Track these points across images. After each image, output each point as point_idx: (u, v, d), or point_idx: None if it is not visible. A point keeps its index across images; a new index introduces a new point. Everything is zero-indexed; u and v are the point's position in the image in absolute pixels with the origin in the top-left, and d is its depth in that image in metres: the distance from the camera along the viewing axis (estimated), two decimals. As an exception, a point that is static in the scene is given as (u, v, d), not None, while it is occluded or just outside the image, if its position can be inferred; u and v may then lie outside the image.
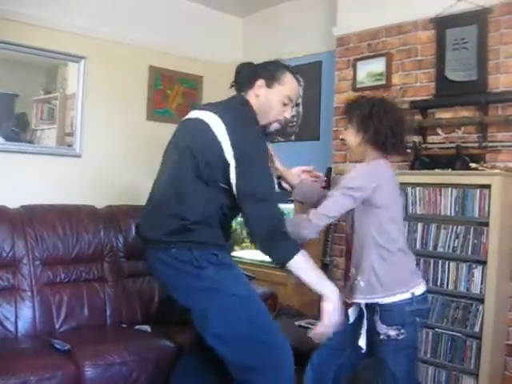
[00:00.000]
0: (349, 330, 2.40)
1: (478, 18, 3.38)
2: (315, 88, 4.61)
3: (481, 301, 3.07)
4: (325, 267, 4.11)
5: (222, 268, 2.24)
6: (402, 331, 2.21)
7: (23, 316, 3.04)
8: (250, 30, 5.35)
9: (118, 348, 2.81)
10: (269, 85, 2.37)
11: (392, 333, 2.22)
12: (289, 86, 2.40)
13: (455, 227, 3.20)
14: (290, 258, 2.18)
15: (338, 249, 4.09)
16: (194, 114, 2.38)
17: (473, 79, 3.42)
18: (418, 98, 3.66)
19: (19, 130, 4.05)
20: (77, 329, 3.15)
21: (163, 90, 4.80)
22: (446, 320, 3.20)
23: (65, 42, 4.09)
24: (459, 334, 3.14)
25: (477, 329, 3.06)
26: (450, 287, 3.21)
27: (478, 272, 3.10)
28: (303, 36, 4.78)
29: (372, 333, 2.29)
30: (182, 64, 4.87)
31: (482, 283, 3.07)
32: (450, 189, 3.22)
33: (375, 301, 2.26)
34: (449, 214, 3.22)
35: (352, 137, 2.36)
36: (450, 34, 3.52)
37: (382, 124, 2.26)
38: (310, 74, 4.67)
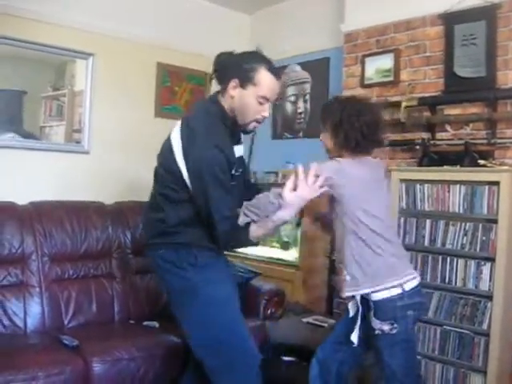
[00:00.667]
0: (348, 325, 2.44)
1: (487, 14, 3.36)
2: (323, 84, 4.60)
3: (489, 298, 3.06)
4: (332, 264, 4.10)
5: (200, 270, 2.30)
6: (395, 325, 2.25)
7: (32, 312, 3.06)
8: (257, 27, 5.34)
9: (126, 344, 2.82)
10: (243, 85, 2.27)
11: (385, 327, 2.27)
12: (264, 85, 2.28)
13: (464, 224, 3.19)
14: (252, 243, 2.27)
15: (345, 245, 4.08)
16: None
17: (481, 75, 3.40)
18: (427, 95, 3.64)
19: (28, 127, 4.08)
20: (85, 325, 3.17)
21: (171, 87, 4.81)
22: (454, 317, 3.19)
23: (73, 39, 4.09)
24: (467, 332, 3.13)
25: (485, 326, 3.05)
26: (459, 284, 3.20)
27: (486, 269, 3.09)
28: (311, 32, 4.76)
29: (368, 328, 2.34)
30: (189, 61, 4.87)
31: (490, 280, 3.06)
32: (458, 185, 3.21)
33: (364, 292, 2.30)
34: (457, 210, 3.20)
35: (327, 140, 2.42)
36: (458, 30, 3.50)
37: (352, 129, 2.30)
38: (317, 70, 4.67)
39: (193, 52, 4.87)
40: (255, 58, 2.34)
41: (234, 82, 2.28)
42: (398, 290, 2.26)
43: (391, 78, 3.89)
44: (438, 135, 3.59)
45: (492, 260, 3.06)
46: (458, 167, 3.25)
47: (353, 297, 2.39)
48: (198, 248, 2.30)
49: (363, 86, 4.07)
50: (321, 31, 4.66)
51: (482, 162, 3.19)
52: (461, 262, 3.19)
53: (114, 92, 4.37)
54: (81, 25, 4.11)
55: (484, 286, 3.09)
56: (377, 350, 2.35)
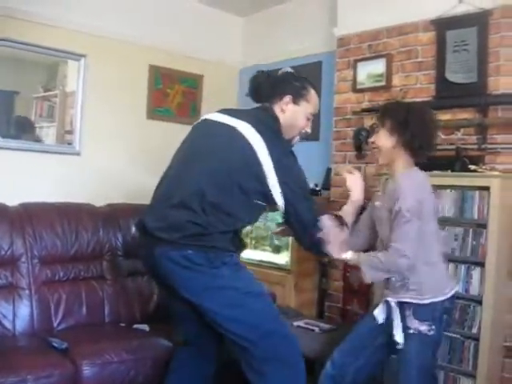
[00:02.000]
0: (372, 329, 2.50)
1: (479, 20, 3.38)
2: (315, 88, 4.60)
3: (479, 302, 3.07)
4: (323, 267, 4.11)
5: (235, 268, 2.30)
6: (433, 327, 2.33)
7: (21, 314, 3.04)
8: (250, 30, 5.35)
9: (116, 347, 2.81)
10: (296, 101, 2.44)
11: (423, 328, 2.33)
12: (313, 102, 2.50)
13: (454, 229, 3.20)
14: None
15: (336, 249, 4.08)
16: (220, 118, 2.40)
17: (473, 81, 3.42)
18: (418, 100, 3.66)
19: (20, 128, 4.06)
20: (75, 327, 3.15)
21: (163, 89, 4.80)
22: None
23: (65, 40, 4.08)
24: (457, 336, 3.14)
25: (475, 330, 3.06)
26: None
27: (476, 273, 3.10)
28: (303, 36, 4.77)
29: (403, 327, 2.39)
30: (182, 63, 4.87)
31: (480, 285, 3.07)
32: (449, 190, 3.22)
33: (420, 302, 2.36)
34: (448, 215, 3.21)
35: (384, 139, 2.44)
36: (450, 36, 3.52)
37: (418, 130, 2.37)
38: (310, 74, 4.64)
39: (185, 54, 4.86)
40: (304, 79, 2.53)
41: (287, 98, 2.43)
42: (442, 297, 2.37)
43: (383, 83, 3.90)
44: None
45: (482, 265, 3.07)
46: (449, 172, 3.26)
47: (386, 302, 2.45)
48: (227, 251, 2.29)
49: (355, 90, 4.08)
50: (313, 35, 4.67)
51: (472, 167, 3.20)
52: (451, 266, 3.19)
53: (106, 93, 4.36)
54: (73, 26, 4.10)
55: (474, 290, 3.10)
56: (405, 350, 2.38)
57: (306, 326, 3.42)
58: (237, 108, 2.54)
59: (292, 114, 2.44)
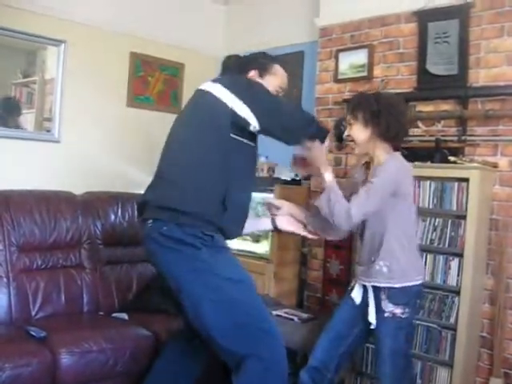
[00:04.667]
0: (348, 317, 2.56)
1: (460, 13, 3.40)
2: (297, 78, 4.60)
3: (457, 293, 3.10)
4: (303, 257, 4.13)
5: (216, 251, 2.23)
6: (407, 310, 2.39)
7: (-2, 303, 3.01)
8: (232, 18, 5.31)
9: (95, 335, 2.80)
10: (261, 75, 2.46)
11: (398, 311, 2.39)
12: (279, 76, 2.51)
13: (433, 220, 3.22)
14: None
15: (316, 239, 4.10)
16: (203, 85, 2.41)
17: (453, 73, 3.44)
18: (400, 91, 3.67)
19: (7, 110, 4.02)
20: (53, 316, 3.12)
21: (144, 77, 4.76)
22: (422, 311, 3.22)
23: (44, 26, 4.03)
24: (435, 326, 3.17)
25: (452, 320, 3.10)
26: (427, 279, 3.22)
27: (454, 264, 3.13)
28: (286, 25, 4.76)
29: (376, 311, 2.45)
30: (163, 51, 4.83)
31: (458, 275, 3.10)
32: (428, 181, 3.24)
33: (394, 286, 2.41)
34: (427, 206, 3.24)
35: (359, 132, 2.48)
36: (432, 28, 3.53)
37: (391, 118, 2.41)
38: (291, 64, 4.66)
39: (167, 42, 4.83)
40: (267, 54, 2.57)
41: (253, 72, 2.46)
42: (414, 282, 2.44)
43: (365, 74, 3.91)
44: (410, 131, 3.61)
45: (460, 255, 3.10)
46: (429, 163, 3.29)
47: (364, 286, 2.52)
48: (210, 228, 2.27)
49: (337, 80, 4.08)
50: (296, 25, 4.66)
51: (452, 158, 3.23)
52: (430, 257, 3.22)
53: (86, 80, 4.32)
54: (52, 11, 4.05)
55: (452, 281, 3.14)
56: (380, 334, 2.46)
57: (286, 315, 3.43)
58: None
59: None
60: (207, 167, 2.23)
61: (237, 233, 2.42)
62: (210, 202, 2.22)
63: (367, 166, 2.63)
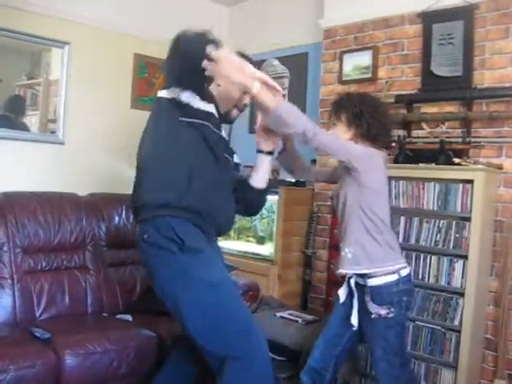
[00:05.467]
0: (342, 317, 2.54)
1: (465, 14, 3.39)
2: (301, 80, 4.60)
3: (461, 295, 3.10)
4: (307, 259, 4.12)
5: (192, 254, 2.20)
6: (392, 310, 2.37)
7: (3, 304, 3.01)
8: (236, 20, 5.32)
9: (99, 337, 2.80)
10: None
11: (382, 312, 2.37)
12: None
13: (437, 221, 3.22)
14: None
15: (320, 241, 4.10)
16: None
17: (458, 75, 3.43)
18: (404, 92, 3.67)
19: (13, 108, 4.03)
20: (57, 317, 3.13)
21: (148, 78, 4.76)
22: (426, 313, 3.22)
23: (49, 27, 4.03)
24: (439, 327, 3.17)
25: (456, 322, 3.09)
26: (431, 281, 3.24)
27: (458, 266, 3.13)
28: (290, 27, 4.76)
29: (363, 313, 2.44)
30: (167, 52, 4.82)
31: (462, 277, 3.10)
32: (433, 183, 3.24)
33: (363, 272, 2.39)
34: (431, 208, 3.24)
35: (342, 133, 2.47)
36: (436, 29, 3.53)
37: (373, 119, 2.41)
38: (296, 65, 4.66)
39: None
40: (244, 55, 2.42)
41: None
42: (395, 277, 2.38)
43: (369, 75, 3.90)
44: (414, 133, 3.62)
45: (464, 257, 3.09)
46: (433, 165, 3.28)
47: (348, 280, 2.50)
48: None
49: (341, 82, 4.08)
50: (300, 26, 4.65)
51: (456, 160, 3.22)
52: (434, 258, 3.22)
53: (90, 82, 4.32)
54: (57, 13, 4.05)
55: (456, 282, 3.13)
56: (370, 335, 2.46)
57: (290, 316, 3.43)
58: None
59: (225, 87, 2.34)
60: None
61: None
62: (171, 185, 2.23)
63: None
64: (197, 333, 2.17)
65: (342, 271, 2.48)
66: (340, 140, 2.42)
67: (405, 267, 2.44)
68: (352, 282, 2.47)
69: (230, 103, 2.42)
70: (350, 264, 2.43)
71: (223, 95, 2.38)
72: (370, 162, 2.39)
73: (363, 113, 2.42)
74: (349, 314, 2.51)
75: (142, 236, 2.24)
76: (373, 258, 2.39)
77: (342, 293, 2.56)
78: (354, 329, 2.48)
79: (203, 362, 2.34)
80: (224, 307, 2.20)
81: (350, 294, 2.53)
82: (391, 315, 2.38)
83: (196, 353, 2.42)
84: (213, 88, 2.37)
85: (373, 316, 2.40)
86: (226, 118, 2.44)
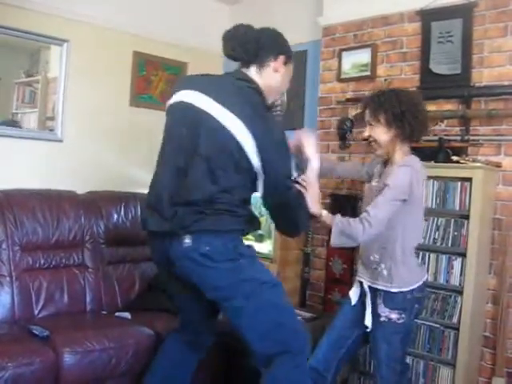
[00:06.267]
0: (350, 318, 2.56)
1: (464, 12, 3.39)
2: (300, 77, 4.60)
3: (459, 292, 3.10)
4: (306, 256, 4.12)
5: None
6: (403, 315, 2.38)
7: (1, 302, 3.02)
8: (236, 18, 5.26)
9: (98, 335, 2.80)
10: (286, 62, 2.35)
11: (393, 316, 2.39)
12: (292, 65, 2.43)
13: (436, 219, 3.22)
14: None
15: (319, 239, 4.10)
16: (190, 98, 2.25)
17: (457, 72, 3.43)
18: (402, 90, 3.67)
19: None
20: (56, 315, 3.14)
21: (147, 76, 4.76)
22: (424, 311, 3.22)
23: (47, 25, 4.02)
24: (437, 325, 3.17)
25: (455, 320, 3.10)
26: (430, 279, 3.22)
27: (457, 264, 3.13)
28: (289, 24, 4.71)
29: (372, 315, 2.46)
30: (166, 50, 4.82)
31: (461, 275, 3.10)
32: (431, 181, 3.23)
33: (392, 290, 2.41)
34: (430, 206, 3.23)
35: (382, 134, 2.44)
36: (435, 27, 3.52)
37: (415, 119, 2.37)
38: (295, 63, 4.64)
39: (170, 41, 4.82)
40: (285, 39, 2.40)
41: (282, 58, 2.33)
42: (412, 286, 2.42)
43: (368, 73, 3.90)
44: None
45: (463, 255, 3.09)
46: (432, 163, 3.28)
47: (360, 284, 2.53)
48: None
49: (340, 80, 4.08)
50: (299, 24, 4.64)
51: (455, 158, 3.22)
52: (432, 256, 3.22)
53: (89, 80, 4.31)
54: (56, 10, 4.04)
55: (455, 280, 3.13)
56: (376, 338, 2.46)
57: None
58: (213, 77, 2.41)
59: (281, 75, 2.35)
60: None
61: None
62: None
63: (385, 163, 2.61)
64: (255, 332, 2.23)
65: (372, 285, 2.47)
66: (384, 204, 2.33)
67: (423, 277, 2.50)
68: (365, 284, 2.47)
69: (278, 94, 2.45)
70: (384, 281, 2.43)
71: (278, 84, 2.37)
72: (415, 186, 2.37)
73: (405, 113, 2.36)
74: (358, 316, 2.50)
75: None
76: (405, 278, 2.41)
77: (353, 294, 2.56)
78: (368, 330, 2.48)
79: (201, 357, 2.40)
80: (282, 307, 2.30)
81: (360, 296, 2.54)
82: (401, 321, 2.39)
83: (195, 350, 2.46)
84: (264, 76, 2.33)
85: (382, 319, 2.41)
86: (270, 107, 2.46)
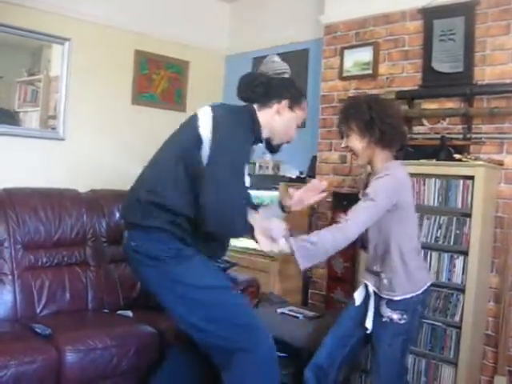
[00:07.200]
0: (355, 319, 2.54)
1: (466, 10, 3.38)
2: (302, 76, 4.59)
3: (462, 291, 3.10)
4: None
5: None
6: (405, 316, 2.37)
7: (4, 300, 3.01)
8: (237, 16, 5.31)
9: (100, 333, 2.80)
10: (292, 107, 2.41)
11: (395, 316, 2.38)
12: (305, 111, 2.49)
13: (438, 217, 3.22)
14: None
15: (321, 237, 4.09)
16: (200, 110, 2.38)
17: (459, 71, 3.42)
18: (405, 89, 3.66)
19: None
20: (58, 313, 3.13)
21: (149, 75, 4.76)
22: (426, 309, 3.22)
23: (49, 23, 4.03)
24: (440, 324, 3.16)
25: (457, 318, 3.09)
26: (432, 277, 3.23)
27: (459, 262, 3.12)
28: (291, 23, 4.75)
29: (375, 315, 2.45)
30: (168, 49, 4.83)
31: (463, 273, 3.10)
32: (433, 179, 3.23)
33: (393, 298, 2.41)
34: (432, 204, 3.23)
35: (357, 142, 2.44)
36: (437, 25, 3.52)
37: (385, 124, 2.36)
38: (297, 61, 4.65)
39: (172, 40, 4.83)
40: (298, 86, 2.51)
41: (285, 103, 2.39)
42: (415, 292, 2.42)
43: (370, 71, 3.90)
44: (415, 129, 3.61)
45: (465, 253, 3.09)
46: (434, 161, 3.28)
47: (365, 286, 2.52)
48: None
49: (342, 78, 4.08)
50: (301, 22, 4.65)
51: (457, 156, 3.22)
52: (434, 254, 3.22)
53: (91, 78, 4.32)
54: (57, 9, 4.05)
55: (457, 279, 3.13)
56: (377, 338, 2.45)
57: (291, 312, 3.43)
58: (225, 103, 2.50)
59: (286, 119, 2.41)
60: None
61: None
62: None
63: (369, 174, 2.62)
64: (203, 333, 2.25)
65: (376, 291, 2.47)
66: (361, 210, 2.32)
67: (427, 281, 2.48)
68: (370, 288, 2.48)
69: (285, 137, 2.47)
70: (387, 290, 2.42)
71: (282, 127, 2.43)
72: (397, 193, 2.36)
73: (374, 119, 2.36)
74: (362, 317, 2.50)
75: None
76: (406, 287, 2.40)
77: (358, 296, 2.56)
78: (368, 332, 2.48)
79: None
80: (227, 305, 2.29)
81: (364, 297, 2.54)
82: (403, 322, 2.38)
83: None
84: (267, 118, 2.40)
85: (384, 319, 2.40)
86: (275, 149, 2.51)
